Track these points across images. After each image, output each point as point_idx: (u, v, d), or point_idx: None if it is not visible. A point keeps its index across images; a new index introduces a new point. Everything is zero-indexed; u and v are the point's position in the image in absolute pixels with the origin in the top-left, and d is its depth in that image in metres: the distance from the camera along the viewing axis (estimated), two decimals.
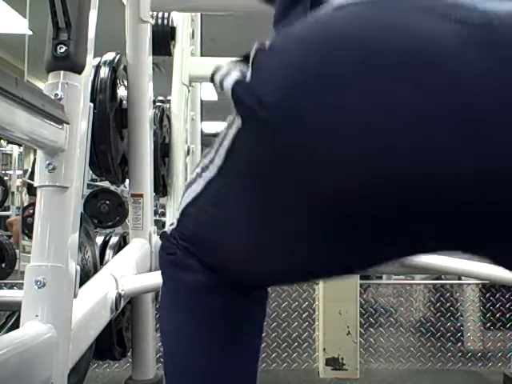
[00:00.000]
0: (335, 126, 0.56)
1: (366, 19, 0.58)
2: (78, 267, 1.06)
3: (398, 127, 0.55)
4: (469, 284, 2.75)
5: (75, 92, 1.04)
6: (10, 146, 6.83)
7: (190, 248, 0.78)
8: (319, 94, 0.57)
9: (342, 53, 0.57)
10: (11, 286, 2.73)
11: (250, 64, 0.61)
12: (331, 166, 0.58)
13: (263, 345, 2.52)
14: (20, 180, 6.30)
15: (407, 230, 0.62)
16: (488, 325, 2.75)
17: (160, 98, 2.77)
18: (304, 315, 2.65)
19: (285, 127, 0.58)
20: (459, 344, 2.70)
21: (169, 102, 2.84)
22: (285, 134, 0.58)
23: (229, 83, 0.61)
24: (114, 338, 1.80)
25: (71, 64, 1.02)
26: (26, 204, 4.50)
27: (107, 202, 2.55)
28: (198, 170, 0.74)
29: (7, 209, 6.36)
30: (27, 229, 3.58)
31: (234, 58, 0.65)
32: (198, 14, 3.33)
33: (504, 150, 0.54)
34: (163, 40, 2.78)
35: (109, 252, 1.89)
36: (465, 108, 0.54)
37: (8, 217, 6.09)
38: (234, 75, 0.61)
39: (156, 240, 1.93)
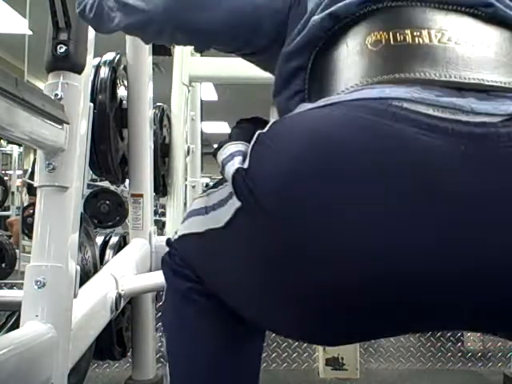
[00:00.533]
0: (326, 224, 0.57)
1: (362, 125, 0.59)
2: (78, 267, 1.06)
3: (390, 230, 0.56)
4: None
5: (75, 92, 1.04)
6: (10, 146, 6.83)
7: (185, 268, 0.79)
8: (310, 189, 0.58)
9: (338, 154, 0.58)
10: (11, 286, 2.73)
11: (249, 153, 0.63)
12: (319, 262, 0.59)
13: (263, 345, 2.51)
14: (20, 180, 6.30)
15: (396, 323, 0.64)
16: None
17: (159, 104, 2.76)
18: None
19: (277, 221, 0.59)
20: (459, 344, 2.70)
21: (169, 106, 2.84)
22: (277, 227, 0.59)
23: (230, 171, 0.63)
24: (114, 338, 1.80)
25: (71, 64, 1.02)
26: (26, 204, 4.51)
27: (107, 202, 2.55)
28: (203, 204, 0.76)
29: (7, 209, 6.36)
30: (27, 229, 3.58)
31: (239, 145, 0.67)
32: None
33: (486, 255, 0.56)
34: None
35: (109, 252, 1.88)
36: (457, 222, 0.55)
37: (8, 217, 6.09)
38: (236, 163, 0.63)
39: (156, 240, 1.93)
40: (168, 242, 0.86)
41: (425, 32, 0.66)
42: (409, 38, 0.66)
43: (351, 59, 0.69)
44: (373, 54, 0.67)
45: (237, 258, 0.68)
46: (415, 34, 0.66)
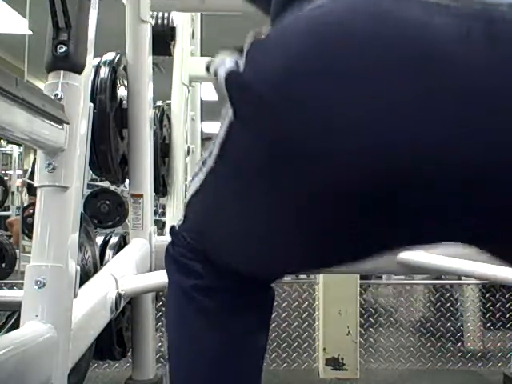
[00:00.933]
0: (326, 118, 0.56)
1: (362, 12, 0.58)
2: (78, 267, 1.06)
3: (395, 122, 0.55)
4: (469, 284, 2.75)
5: (75, 92, 1.04)
6: (10, 146, 6.83)
7: (195, 244, 0.78)
8: (311, 86, 0.56)
9: (337, 46, 0.57)
10: (11, 286, 2.73)
11: (244, 55, 0.61)
12: (320, 159, 0.57)
13: None
14: (20, 180, 6.30)
15: (407, 221, 0.61)
16: (488, 325, 2.75)
17: (159, 102, 2.76)
18: (304, 315, 2.65)
19: (275, 118, 0.57)
20: (459, 344, 2.70)
21: (169, 105, 2.84)
22: (275, 125, 0.58)
23: (222, 73, 0.61)
24: (114, 338, 1.80)
25: (71, 64, 1.02)
26: (26, 204, 4.51)
27: (107, 202, 2.55)
28: (200, 162, 0.74)
29: (7, 209, 6.36)
30: (27, 229, 3.58)
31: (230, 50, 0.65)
32: (198, 14, 3.33)
33: (505, 145, 0.54)
34: (163, 40, 2.78)
35: (109, 252, 1.89)
36: (463, 105, 0.54)
37: (8, 217, 6.10)
38: (228, 65, 0.61)
39: (156, 240, 1.93)
40: (172, 229, 0.83)
41: None
42: None
43: None
44: None
45: (236, 184, 0.67)
46: None
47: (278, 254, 0.71)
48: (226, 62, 0.62)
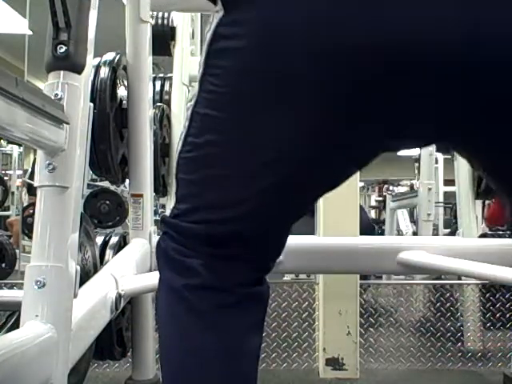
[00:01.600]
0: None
1: None
2: (78, 267, 1.06)
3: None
4: (469, 284, 2.74)
5: (75, 92, 1.04)
6: (10, 146, 6.83)
7: (192, 226, 0.77)
8: None
9: None
10: (11, 286, 2.73)
11: None
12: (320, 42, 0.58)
13: (263, 345, 2.52)
14: (20, 180, 6.30)
15: (396, 101, 0.62)
16: (488, 325, 2.75)
17: (161, 74, 2.74)
18: (304, 315, 2.65)
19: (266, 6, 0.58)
20: (459, 344, 2.70)
21: (169, 79, 2.82)
22: (269, 11, 0.59)
23: None
24: (114, 338, 1.80)
25: (71, 64, 1.02)
26: (25, 204, 4.50)
27: (107, 202, 2.55)
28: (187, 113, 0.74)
29: (7, 209, 6.36)
30: (27, 229, 3.58)
31: None
32: (198, 14, 3.33)
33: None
34: (163, 40, 2.78)
35: (109, 252, 1.88)
36: None
37: (8, 217, 6.10)
38: None
39: (156, 240, 1.92)
40: (163, 219, 0.83)
41: None
42: None
43: None
44: None
45: (221, 100, 0.67)
46: None
47: (276, 174, 0.70)
48: None
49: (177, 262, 0.79)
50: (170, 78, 2.90)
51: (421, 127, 0.67)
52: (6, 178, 5.69)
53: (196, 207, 0.77)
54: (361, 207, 2.88)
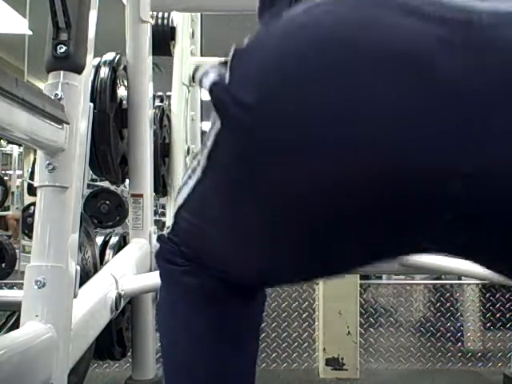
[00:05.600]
0: (308, 127, 0.56)
1: (343, 18, 0.58)
2: (78, 267, 1.06)
3: (378, 125, 0.55)
4: (469, 284, 2.75)
5: (75, 92, 1.04)
6: (10, 146, 6.83)
7: (186, 252, 0.78)
8: (294, 95, 0.56)
9: (317, 53, 0.57)
10: (11, 286, 2.73)
11: (228, 64, 0.61)
12: (309, 164, 0.57)
13: (263, 345, 2.52)
14: (20, 180, 6.30)
15: (395, 230, 0.61)
16: (488, 325, 2.75)
17: (159, 93, 2.75)
18: (304, 315, 2.65)
19: (260, 128, 0.58)
20: (459, 344, 2.70)
21: (168, 97, 2.83)
22: (260, 135, 0.58)
23: (207, 83, 0.61)
24: (114, 338, 1.80)
25: (71, 64, 1.02)
26: (25, 204, 4.51)
27: (107, 202, 2.55)
28: (189, 171, 0.74)
29: (7, 209, 6.37)
30: (27, 229, 3.57)
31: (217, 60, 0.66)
32: (198, 14, 3.33)
33: (480, 153, 0.54)
34: (163, 40, 2.78)
35: (109, 252, 1.89)
36: (444, 109, 0.54)
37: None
38: (212, 76, 0.61)
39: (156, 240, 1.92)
40: (159, 237, 0.83)
41: None
42: None
43: None
44: None
45: (220, 192, 0.67)
46: None
47: (267, 260, 0.71)
48: (210, 72, 0.62)
49: (177, 265, 0.80)
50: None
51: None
52: (6, 178, 5.69)
53: (190, 240, 0.78)
54: None
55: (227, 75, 0.60)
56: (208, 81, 0.61)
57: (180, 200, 0.77)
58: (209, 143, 0.66)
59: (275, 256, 0.68)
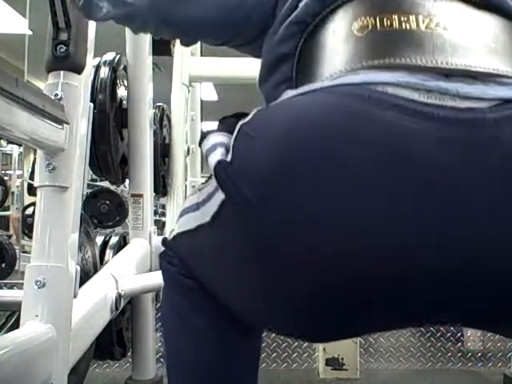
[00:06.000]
0: (304, 228, 0.57)
1: (341, 110, 0.59)
2: (78, 267, 1.06)
3: (373, 229, 0.55)
4: None
5: (75, 92, 1.04)
6: (10, 146, 6.83)
7: (185, 273, 0.79)
8: (291, 191, 0.57)
9: (318, 150, 0.57)
10: (11, 286, 2.73)
11: (232, 146, 0.62)
12: (300, 261, 0.58)
13: (263, 345, 2.52)
14: (20, 180, 6.30)
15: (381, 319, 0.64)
16: None
17: (159, 104, 2.76)
18: None
19: (257, 215, 0.59)
20: (459, 344, 2.70)
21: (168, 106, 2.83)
22: (257, 224, 0.59)
23: (212, 161, 0.63)
24: (114, 338, 1.80)
25: (71, 64, 1.02)
26: (26, 204, 4.51)
27: (107, 202, 2.55)
28: (194, 200, 0.75)
29: (7, 209, 6.37)
30: (27, 229, 3.58)
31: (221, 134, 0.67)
32: None
33: (479, 254, 0.55)
34: (163, 40, 2.78)
35: (109, 252, 1.88)
36: (439, 213, 0.54)
37: (8, 217, 6.11)
38: (218, 154, 0.63)
39: (156, 240, 1.93)
40: (163, 241, 0.85)
41: (412, 17, 0.64)
42: (396, 24, 0.63)
43: (337, 46, 0.67)
44: (358, 40, 0.65)
45: (225, 253, 0.68)
46: (402, 19, 0.64)
47: (259, 316, 0.72)
48: (217, 149, 0.63)
49: (175, 270, 0.81)
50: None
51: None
52: (6, 178, 5.70)
53: (186, 261, 0.80)
54: None
55: (230, 156, 0.62)
56: (213, 159, 0.63)
57: (181, 228, 0.79)
58: (214, 204, 0.67)
59: (270, 312, 0.69)
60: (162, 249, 0.85)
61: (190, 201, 0.78)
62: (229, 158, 0.62)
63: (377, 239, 0.55)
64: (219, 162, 0.61)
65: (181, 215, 0.80)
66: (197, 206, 0.74)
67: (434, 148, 0.55)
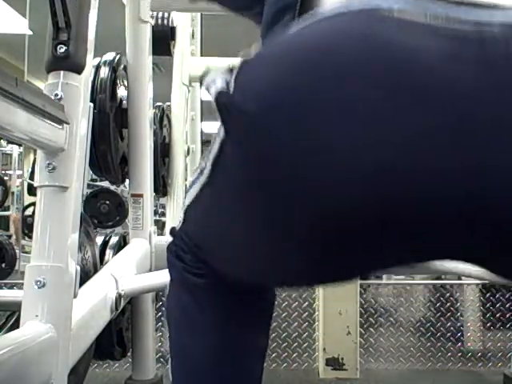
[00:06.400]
0: (307, 145, 0.56)
1: (349, 35, 0.58)
2: (78, 267, 1.06)
3: (383, 147, 0.54)
4: (469, 284, 2.75)
5: (75, 92, 1.04)
6: (10, 146, 6.83)
7: (195, 251, 0.78)
8: (295, 110, 0.57)
9: (322, 69, 0.57)
10: (11, 286, 2.73)
11: (234, 76, 0.61)
12: (305, 182, 0.57)
13: None
14: (20, 180, 6.31)
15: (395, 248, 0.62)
16: (488, 325, 2.75)
17: (158, 103, 2.76)
18: (304, 315, 2.65)
19: (263, 139, 0.58)
20: (459, 344, 2.70)
21: (169, 106, 2.83)
22: (262, 146, 0.58)
23: (213, 92, 0.62)
24: (114, 338, 1.80)
25: (71, 64, 1.02)
26: (26, 204, 4.52)
27: (107, 202, 2.55)
28: (197, 173, 0.75)
29: (7, 209, 6.37)
30: (27, 229, 3.58)
31: (223, 66, 0.66)
32: (198, 14, 3.33)
33: (495, 172, 0.53)
34: (163, 40, 2.78)
35: (109, 252, 1.88)
36: (453, 127, 0.53)
37: (8, 217, 6.11)
38: (218, 85, 0.62)
39: (156, 240, 1.93)
40: (171, 231, 0.84)
41: None
42: None
43: None
44: None
45: (227, 197, 0.68)
46: None
47: (270, 265, 0.71)
48: (217, 81, 0.62)
49: (188, 265, 0.80)
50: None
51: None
52: (6, 178, 5.69)
53: (197, 238, 0.79)
54: None
55: (232, 85, 0.61)
56: (214, 89, 0.62)
57: (188, 200, 0.78)
58: (214, 149, 0.67)
59: (278, 257, 0.68)
60: (170, 239, 0.84)
61: (194, 173, 0.78)
62: (231, 88, 0.61)
63: (397, 158, 0.54)
64: (220, 92, 0.61)
65: (188, 190, 0.80)
66: (200, 172, 0.73)
67: (447, 63, 0.54)
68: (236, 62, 0.63)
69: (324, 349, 2.51)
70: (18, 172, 6.73)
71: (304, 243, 0.63)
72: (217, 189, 0.70)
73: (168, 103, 2.83)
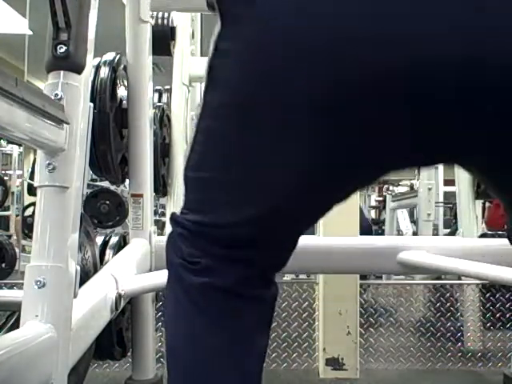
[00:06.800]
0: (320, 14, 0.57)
1: None
2: (78, 267, 1.06)
3: (398, 14, 0.55)
4: (469, 284, 2.75)
5: (75, 92, 1.04)
6: (10, 146, 6.83)
7: (198, 229, 0.77)
8: None
9: None
10: (11, 286, 2.73)
11: None
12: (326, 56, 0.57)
13: None
14: (20, 180, 6.31)
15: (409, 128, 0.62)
16: (488, 325, 2.75)
17: (158, 87, 2.75)
18: (304, 315, 2.65)
19: (263, 19, 0.58)
20: (459, 344, 2.70)
21: (167, 91, 2.82)
22: (264, 25, 0.58)
23: None
24: (114, 338, 1.80)
25: (71, 64, 1.02)
26: (26, 204, 4.51)
27: (107, 202, 2.55)
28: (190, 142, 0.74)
29: (7, 209, 6.37)
30: (27, 229, 3.58)
31: None
32: (198, 14, 3.33)
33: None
34: (163, 40, 2.78)
35: (109, 252, 1.88)
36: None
37: (8, 217, 6.11)
38: None
39: (156, 240, 1.93)
40: (172, 216, 0.82)
41: None
42: None
43: None
44: None
45: (224, 116, 0.66)
46: None
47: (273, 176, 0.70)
48: None
49: (186, 260, 0.79)
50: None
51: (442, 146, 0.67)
52: (6, 178, 5.69)
53: (205, 211, 0.77)
54: (360, 209, 2.88)
55: None
56: None
57: (185, 166, 0.76)
58: (208, 64, 0.65)
59: (284, 180, 0.67)
60: (170, 230, 0.83)
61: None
62: None
63: (399, 24, 0.55)
64: None
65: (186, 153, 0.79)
66: (197, 124, 0.72)
67: None
68: None
69: (324, 349, 2.50)
70: (18, 172, 6.73)
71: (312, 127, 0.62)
72: (213, 109, 0.68)
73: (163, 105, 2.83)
